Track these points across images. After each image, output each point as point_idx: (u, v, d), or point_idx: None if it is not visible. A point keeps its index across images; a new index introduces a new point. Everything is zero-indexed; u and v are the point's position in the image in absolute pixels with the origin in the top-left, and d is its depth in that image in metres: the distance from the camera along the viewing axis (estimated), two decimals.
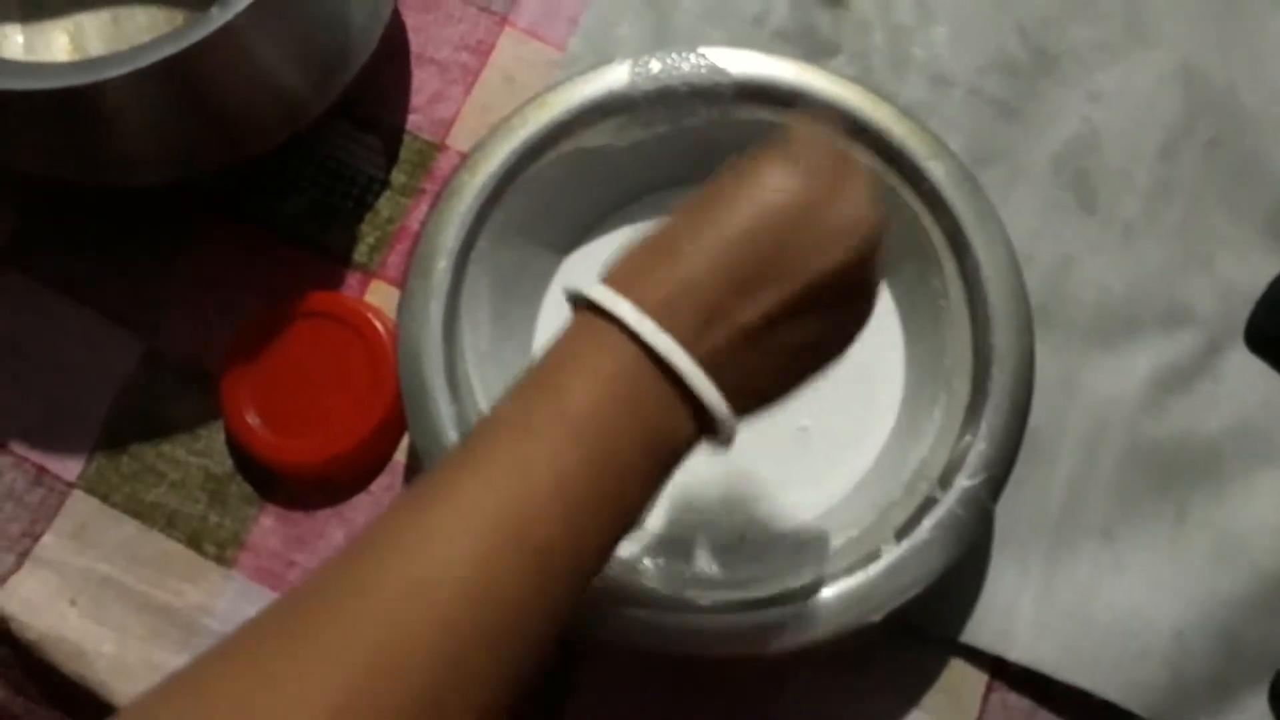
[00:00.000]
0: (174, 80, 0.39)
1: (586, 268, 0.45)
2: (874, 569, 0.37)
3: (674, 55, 0.44)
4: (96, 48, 0.50)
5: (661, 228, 0.30)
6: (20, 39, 0.48)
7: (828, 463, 0.43)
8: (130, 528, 0.44)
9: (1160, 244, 0.47)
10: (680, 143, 0.45)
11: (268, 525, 0.44)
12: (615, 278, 0.28)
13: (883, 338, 0.44)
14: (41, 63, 0.45)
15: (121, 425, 0.46)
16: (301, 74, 0.42)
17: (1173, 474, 0.44)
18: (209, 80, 0.40)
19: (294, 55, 0.41)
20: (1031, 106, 0.49)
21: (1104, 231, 0.47)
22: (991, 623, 0.42)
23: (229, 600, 0.44)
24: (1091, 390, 0.45)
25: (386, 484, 0.45)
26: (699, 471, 0.41)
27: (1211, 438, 0.44)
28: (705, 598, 0.38)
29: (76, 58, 0.49)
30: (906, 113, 0.44)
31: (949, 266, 0.41)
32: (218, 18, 0.37)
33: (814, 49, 0.50)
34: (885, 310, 0.45)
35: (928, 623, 0.42)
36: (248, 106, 0.42)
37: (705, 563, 0.40)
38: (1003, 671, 0.43)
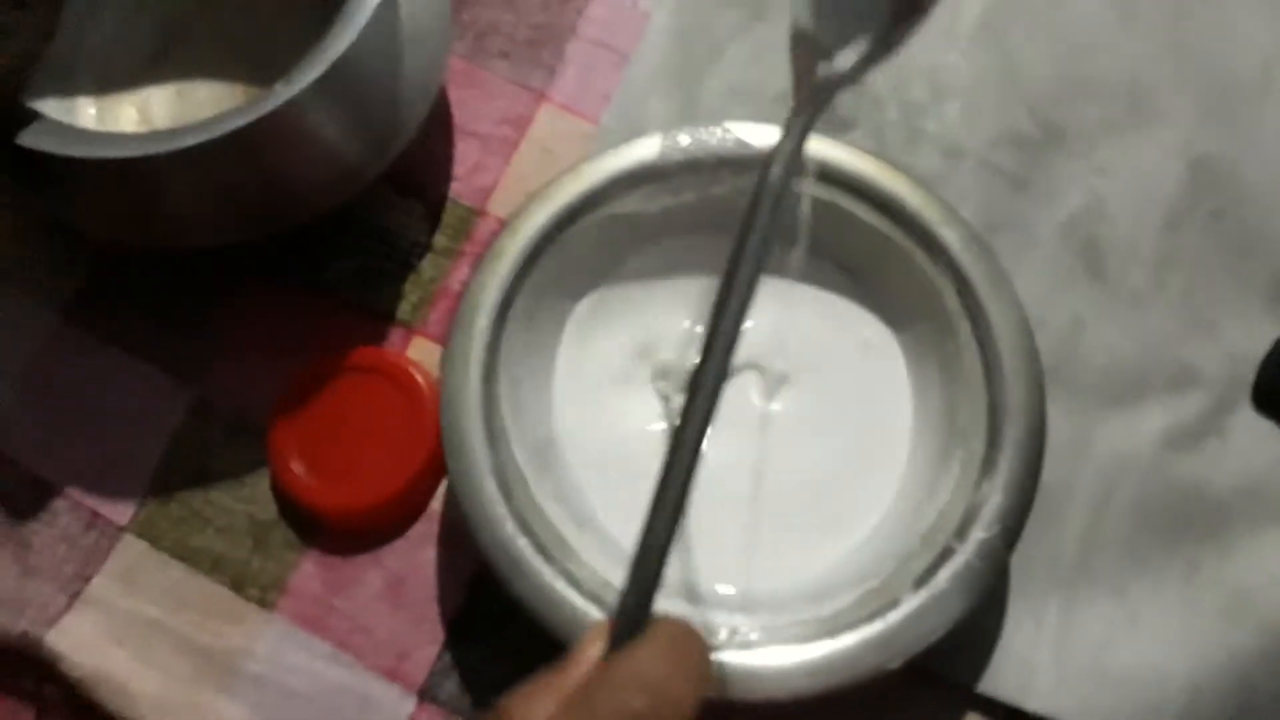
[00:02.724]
0: (235, 153, 0.42)
1: (598, 316, 0.48)
2: (893, 616, 0.38)
3: (702, 129, 0.47)
4: (162, 120, 0.53)
5: None
6: (93, 111, 0.52)
7: (842, 514, 0.44)
8: (177, 571, 0.46)
9: (1167, 310, 0.49)
10: (706, 209, 0.48)
11: (309, 570, 0.46)
12: None
13: (893, 395, 0.46)
14: (112, 133, 0.48)
15: (172, 473, 0.48)
16: (355, 146, 0.45)
17: (1182, 531, 0.45)
18: (268, 153, 0.43)
19: (349, 129, 0.44)
20: (1040, 178, 0.51)
21: (1112, 297, 0.49)
22: (1009, 673, 0.43)
23: (270, 643, 0.45)
24: (1102, 448, 0.47)
25: (423, 531, 0.47)
26: (716, 522, 0.43)
27: (1220, 496, 0.45)
28: (723, 642, 0.39)
29: (143, 129, 0.53)
30: (921, 183, 0.46)
31: (963, 328, 0.43)
32: (281, 94, 0.40)
33: (832, 124, 0.53)
34: (895, 368, 0.47)
35: (946, 671, 0.43)
36: (303, 177, 0.45)
37: (724, 610, 0.42)
38: None
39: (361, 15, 0.40)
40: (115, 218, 0.45)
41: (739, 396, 0.46)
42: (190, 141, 0.40)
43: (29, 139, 0.40)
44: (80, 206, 0.45)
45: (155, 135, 0.41)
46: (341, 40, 0.40)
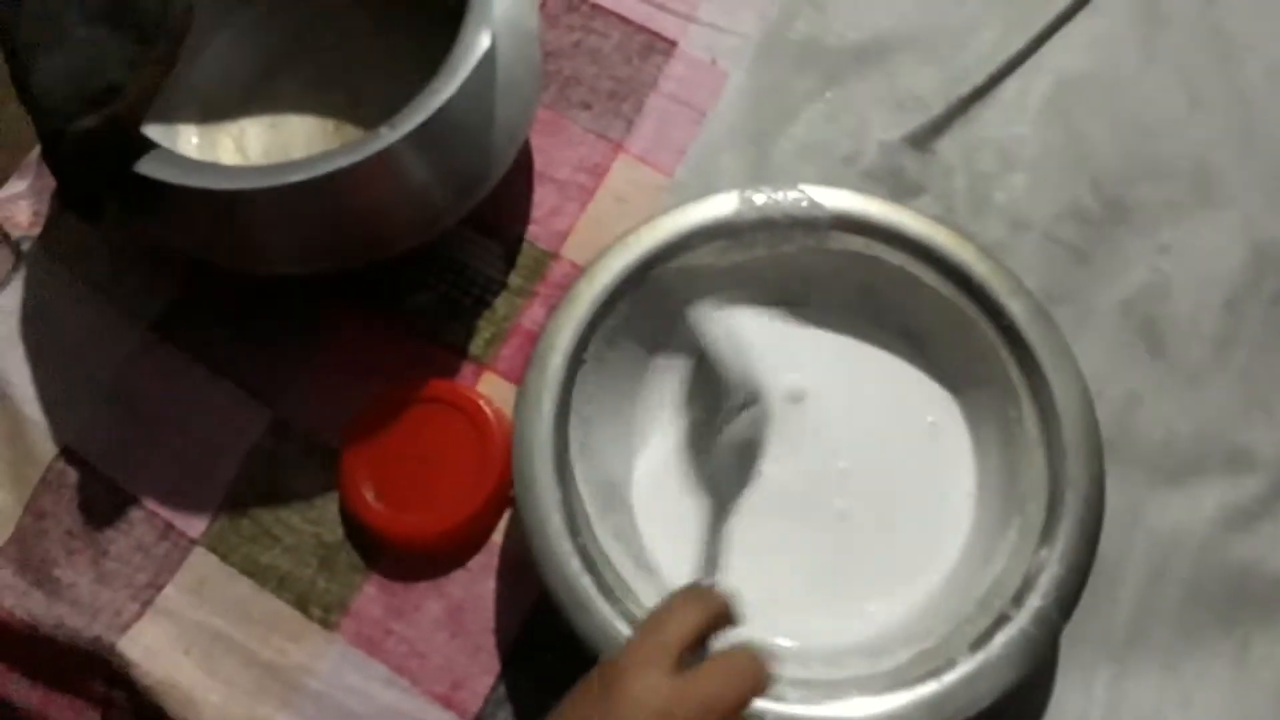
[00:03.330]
0: (333, 190, 0.43)
1: (686, 371, 0.49)
2: (949, 678, 0.39)
3: (777, 190, 0.48)
4: (256, 150, 0.56)
5: None
6: (195, 140, 0.54)
7: (902, 575, 0.45)
8: (244, 586, 0.48)
9: (1226, 390, 0.49)
10: (776, 266, 0.49)
11: (371, 594, 0.48)
12: None
13: (956, 459, 0.47)
14: (222, 165, 0.51)
15: (245, 490, 0.49)
16: (444, 190, 0.46)
17: (1235, 610, 0.45)
18: (364, 193, 0.45)
19: (441, 174, 0.46)
20: (1103, 253, 0.52)
21: (1171, 375, 0.50)
22: None
23: (330, 662, 0.46)
24: (1156, 524, 0.47)
25: (483, 562, 0.48)
26: (778, 576, 0.44)
27: (1274, 577, 0.46)
28: (785, 696, 0.40)
29: (239, 158, 0.55)
30: (987, 252, 0.48)
31: (1025, 397, 0.44)
32: (384, 139, 0.42)
33: (900, 189, 0.54)
34: (958, 434, 0.48)
35: None
36: (393, 216, 0.46)
37: (788, 667, 0.42)
38: None
39: (465, 67, 0.42)
40: (212, 243, 0.47)
41: (808, 480, 0.47)
42: (295, 178, 0.41)
43: (147, 167, 0.42)
44: (180, 230, 0.47)
45: (262, 170, 0.43)
46: (445, 90, 0.42)
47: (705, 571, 0.42)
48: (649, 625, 0.35)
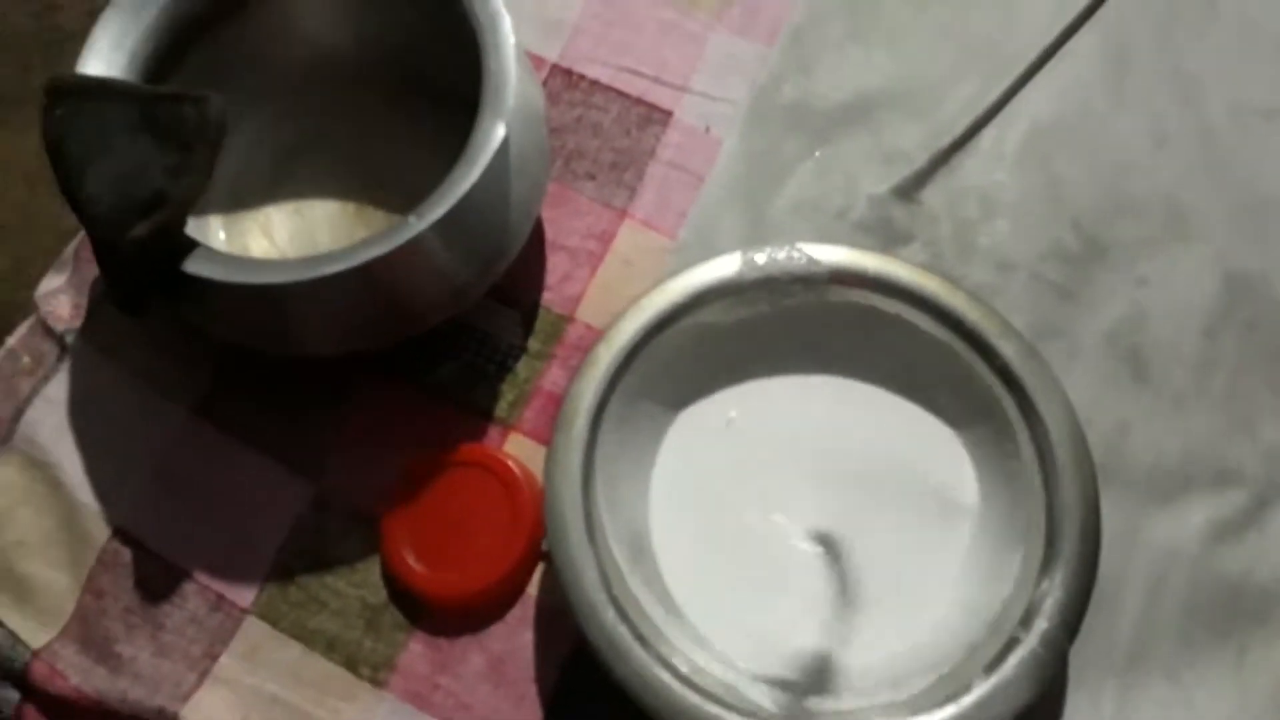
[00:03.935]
0: (364, 278, 0.46)
1: (696, 424, 0.52)
2: (966, 700, 0.42)
3: (776, 249, 0.52)
4: (282, 235, 0.59)
5: None
6: (222, 235, 0.57)
7: (913, 603, 0.48)
8: (295, 650, 0.50)
9: (1208, 412, 0.52)
10: (778, 320, 0.53)
11: (416, 650, 0.50)
12: None
13: (960, 491, 0.50)
14: (262, 260, 0.54)
15: (291, 559, 0.52)
16: (467, 269, 0.50)
17: (1230, 619, 0.48)
18: (393, 278, 0.48)
19: (464, 255, 0.49)
20: (1086, 290, 0.55)
21: (1156, 400, 0.53)
22: None
23: (381, 718, 0.49)
24: (1151, 542, 0.50)
25: (520, 615, 0.51)
26: (799, 613, 0.47)
27: (1264, 585, 0.49)
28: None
29: (265, 243, 0.58)
30: (977, 297, 0.51)
31: (1021, 432, 0.48)
32: (413, 228, 0.45)
33: (890, 238, 0.58)
34: (962, 464, 0.51)
35: None
36: (420, 296, 0.49)
37: (809, 695, 0.45)
38: None
39: (484, 156, 0.46)
40: (251, 331, 0.50)
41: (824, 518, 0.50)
42: (333, 269, 0.45)
43: (194, 266, 0.45)
44: (222, 321, 0.50)
45: (301, 263, 0.46)
46: (466, 179, 0.45)
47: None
48: None
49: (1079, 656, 0.47)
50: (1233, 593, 0.49)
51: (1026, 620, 0.44)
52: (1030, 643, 0.43)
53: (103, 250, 0.45)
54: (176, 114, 0.46)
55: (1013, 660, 0.43)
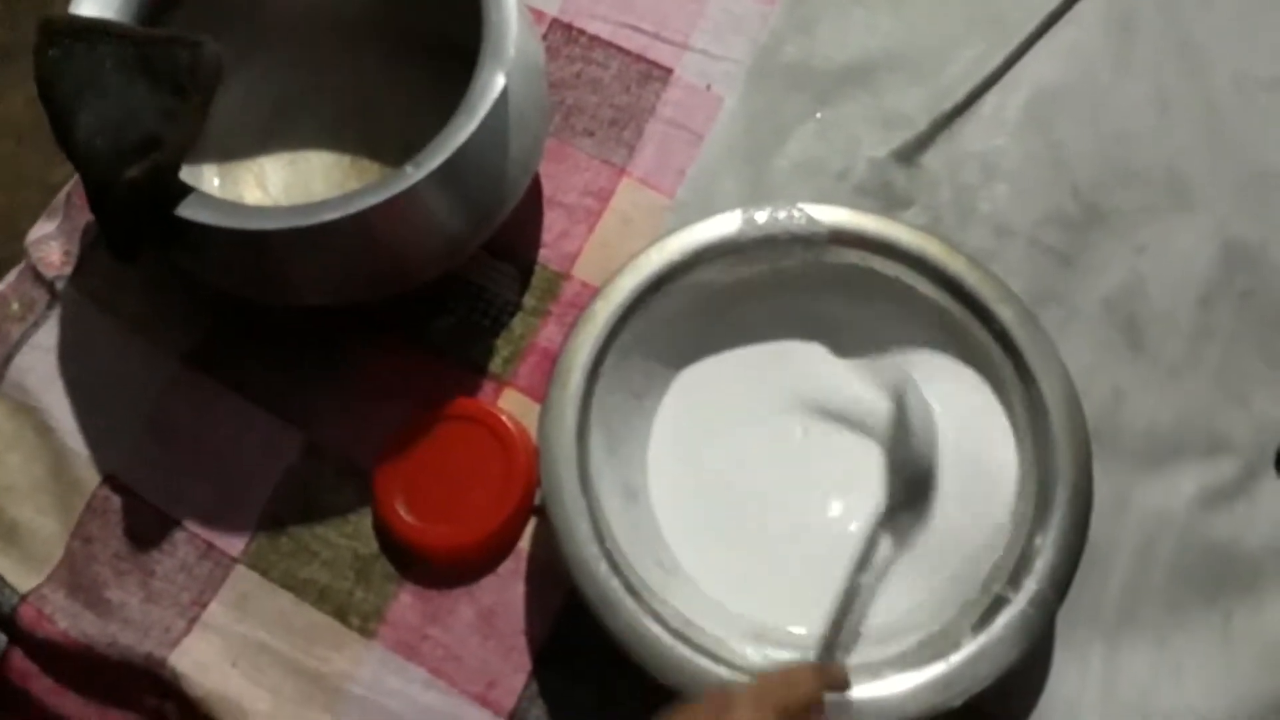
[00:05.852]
0: (360, 228, 0.45)
1: (697, 382, 0.52)
2: (955, 658, 0.42)
3: (777, 209, 0.51)
4: (276, 186, 0.58)
5: None
6: (216, 181, 0.57)
7: (910, 562, 0.48)
8: (285, 600, 0.50)
9: (1202, 381, 0.53)
10: (777, 279, 0.52)
11: (406, 602, 0.50)
12: None
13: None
14: (256, 206, 0.53)
15: (282, 509, 0.52)
16: (463, 222, 0.49)
17: (1218, 585, 0.48)
18: (389, 229, 0.47)
19: (460, 207, 0.48)
20: (1084, 256, 0.55)
21: (1151, 368, 0.53)
22: (1057, 715, 0.46)
23: (370, 668, 0.49)
24: (1141, 508, 0.50)
25: (512, 568, 0.51)
26: (795, 569, 0.47)
27: (1251, 553, 0.49)
28: None
29: (259, 194, 0.58)
30: (976, 261, 0.51)
31: (1016, 395, 0.48)
32: (409, 177, 0.45)
33: (890, 202, 0.57)
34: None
35: (999, 713, 0.46)
36: (416, 249, 0.49)
37: (799, 650, 0.45)
38: None
39: (482, 107, 0.45)
40: (246, 279, 0.49)
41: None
42: (327, 217, 0.44)
43: (187, 210, 0.45)
44: (216, 268, 0.49)
45: (295, 210, 0.45)
46: (464, 130, 0.45)
47: (827, 653, 0.44)
48: (777, 679, 0.40)
49: (1067, 618, 0.48)
50: (1221, 559, 0.49)
51: (1016, 580, 0.44)
52: (1019, 603, 0.43)
53: (95, 193, 0.44)
54: (171, 57, 0.46)
55: (1002, 619, 0.43)
